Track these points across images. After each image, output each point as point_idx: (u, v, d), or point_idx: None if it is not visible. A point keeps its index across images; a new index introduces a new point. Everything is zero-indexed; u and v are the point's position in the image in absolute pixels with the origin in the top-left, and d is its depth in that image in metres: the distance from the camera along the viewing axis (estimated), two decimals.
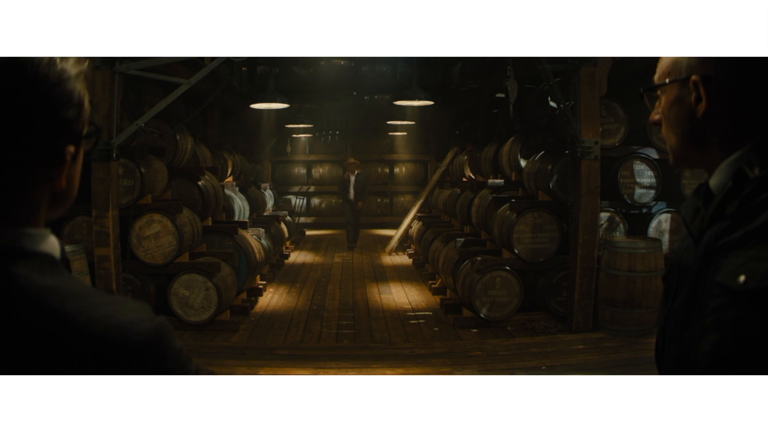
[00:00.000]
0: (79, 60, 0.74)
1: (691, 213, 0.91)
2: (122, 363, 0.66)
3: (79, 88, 0.73)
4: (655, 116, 0.99)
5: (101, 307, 0.68)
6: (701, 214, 0.89)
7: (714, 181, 0.89)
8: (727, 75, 0.87)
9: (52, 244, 0.72)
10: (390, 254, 11.33)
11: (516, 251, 6.28)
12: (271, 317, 6.68)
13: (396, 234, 11.87)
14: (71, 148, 0.73)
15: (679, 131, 0.94)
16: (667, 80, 0.94)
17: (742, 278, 0.76)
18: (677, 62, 0.92)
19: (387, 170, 15.86)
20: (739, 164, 0.85)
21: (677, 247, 0.97)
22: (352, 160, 11.97)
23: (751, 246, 0.78)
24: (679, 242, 0.97)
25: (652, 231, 6.31)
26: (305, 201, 15.80)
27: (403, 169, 15.87)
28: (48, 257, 0.70)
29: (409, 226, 11.63)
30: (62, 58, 0.71)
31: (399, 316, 6.74)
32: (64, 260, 0.73)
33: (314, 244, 12.65)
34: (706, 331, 0.81)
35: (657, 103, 0.98)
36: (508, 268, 6.28)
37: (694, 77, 0.89)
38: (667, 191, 6.27)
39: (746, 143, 0.86)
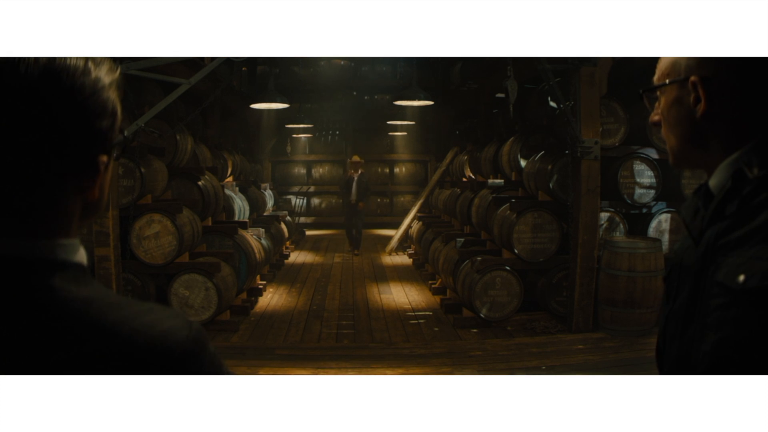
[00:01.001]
0: (111, 67, 0.73)
1: (691, 213, 0.91)
2: (167, 371, 0.67)
3: (113, 97, 0.72)
4: (655, 117, 0.99)
5: (141, 317, 0.68)
6: (701, 215, 0.89)
7: (713, 182, 0.89)
8: (725, 75, 0.87)
9: (82, 253, 0.72)
10: (390, 254, 11.33)
11: (516, 251, 6.28)
12: (271, 317, 6.68)
13: (396, 234, 11.86)
14: (104, 158, 0.72)
15: (679, 132, 0.93)
16: (666, 81, 0.94)
17: (741, 278, 0.76)
18: (676, 63, 0.92)
19: (387, 170, 15.87)
20: (738, 164, 0.85)
21: (678, 247, 0.97)
22: (356, 158, 11.33)
23: (751, 245, 0.78)
24: (680, 243, 0.97)
25: (652, 231, 6.31)
26: (305, 201, 15.80)
27: (403, 169, 15.88)
28: (80, 267, 0.71)
29: (409, 226, 11.62)
30: (96, 64, 0.71)
31: (399, 316, 6.74)
32: (89, 268, 0.74)
33: (314, 244, 12.65)
34: (706, 331, 0.81)
35: (656, 104, 0.99)
36: (508, 268, 6.28)
37: (692, 78, 0.89)
38: (667, 191, 6.27)
39: (745, 144, 0.86)
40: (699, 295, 0.85)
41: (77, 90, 0.68)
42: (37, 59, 0.66)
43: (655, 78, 0.97)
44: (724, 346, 0.78)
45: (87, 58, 0.70)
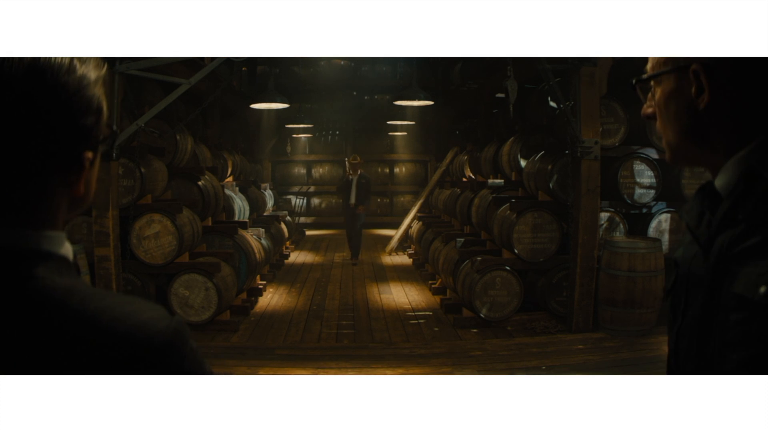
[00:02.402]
0: (98, 64, 0.74)
1: (696, 218, 0.83)
2: (145, 362, 0.67)
3: (98, 93, 0.73)
4: (648, 109, 0.90)
5: (121, 307, 0.69)
6: (707, 219, 0.80)
7: (720, 182, 0.80)
8: (730, 63, 0.79)
9: (67, 247, 0.73)
10: (390, 254, 11.33)
11: (516, 251, 6.28)
12: (271, 317, 6.68)
13: (396, 234, 11.86)
14: (89, 154, 0.73)
15: (678, 126, 0.85)
16: (663, 69, 0.85)
17: (763, 289, 0.68)
18: None
19: (387, 170, 15.88)
20: (748, 162, 0.77)
21: (681, 255, 0.88)
22: (356, 158, 10.55)
23: None
24: (683, 250, 0.88)
25: (652, 231, 6.31)
26: (305, 201, 15.81)
27: (403, 169, 15.89)
28: (64, 260, 0.72)
29: (409, 226, 11.62)
30: (81, 62, 0.72)
31: (399, 316, 6.74)
32: (74, 264, 0.75)
33: (314, 244, 12.65)
34: (727, 349, 0.73)
35: (650, 95, 0.90)
36: (508, 268, 6.28)
37: (694, 66, 0.80)
38: (667, 191, 6.28)
39: (753, 139, 0.78)
40: (714, 308, 0.76)
41: (61, 88, 0.69)
42: (21, 58, 0.67)
43: (649, 67, 0.88)
44: (750, 366, 0.70)
45: (72, 57, 0.71)
